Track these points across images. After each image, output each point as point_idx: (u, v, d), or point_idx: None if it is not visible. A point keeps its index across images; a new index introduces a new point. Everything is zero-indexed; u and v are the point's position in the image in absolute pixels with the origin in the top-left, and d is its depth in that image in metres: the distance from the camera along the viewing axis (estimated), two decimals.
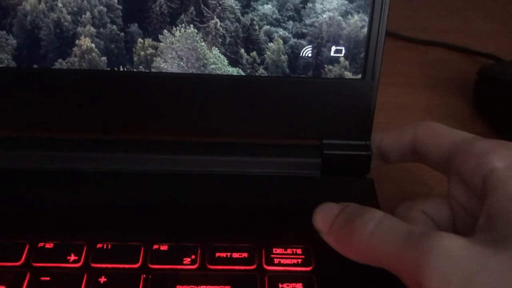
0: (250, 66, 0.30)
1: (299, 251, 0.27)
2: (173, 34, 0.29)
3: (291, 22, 0.29)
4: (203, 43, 0.29)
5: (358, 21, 0.29)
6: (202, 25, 0.29)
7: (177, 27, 0.29)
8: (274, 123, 0.31)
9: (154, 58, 0.29)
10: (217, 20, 0.29)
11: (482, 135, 0.27)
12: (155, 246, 0.26)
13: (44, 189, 0.30)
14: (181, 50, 0.29)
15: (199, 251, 0.26)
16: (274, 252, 0.26)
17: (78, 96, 0.30)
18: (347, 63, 0.30)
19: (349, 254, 0.24)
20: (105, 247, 0.26)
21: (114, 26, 0.28)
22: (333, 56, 0.29)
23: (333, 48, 0.29)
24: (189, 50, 0.29)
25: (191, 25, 0.29)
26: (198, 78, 0.30)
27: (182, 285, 0.25)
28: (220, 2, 0.28)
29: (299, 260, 0.26)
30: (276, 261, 0.26)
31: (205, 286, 0.25)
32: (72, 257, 0.26)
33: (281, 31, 0.29)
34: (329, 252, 0.25)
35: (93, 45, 0.29)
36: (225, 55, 0.29)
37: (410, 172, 0.35)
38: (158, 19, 0.28)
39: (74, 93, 0.30)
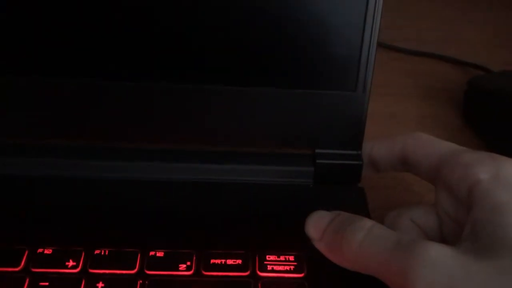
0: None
1: (291, 258, 0.27)
2: None
3: (284, 35, 0.30)
4: None
5: (350, 36, 0.30)
6: None
7: None
8: (269, 133, 0.32)
9: None
10: None
11: (471, 145, 0.28)
12: (152, 253, 0.27)
13: (43, 196, 0.30)
14: None
15: (194, 258, 0.27)
16: (267, 259, 0.27)
17: (78, 105, 0.31)
18: (339, 76, 0.30)
19: (340, 261, 0.25)
20: (102, 253, 0.27)
21: None
22: (325, 69, 0.30)
23: (326, 61, 0.30)
24: None
25: None
26: (196, 89, 0.30)
27: None
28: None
29: (292, 267, 0.27)
30: (269, 267, 0.27)
31: None
32: (71, 263, 0.26)
33: (275, 44, 0.30)
34: (321, 259, 0.26)
35: None
36: None
37: (400, 180, 0.36)
38: None
39: (74, 101, 0.31)
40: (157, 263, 0.27)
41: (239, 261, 0.27)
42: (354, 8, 0.29)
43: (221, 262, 0.27)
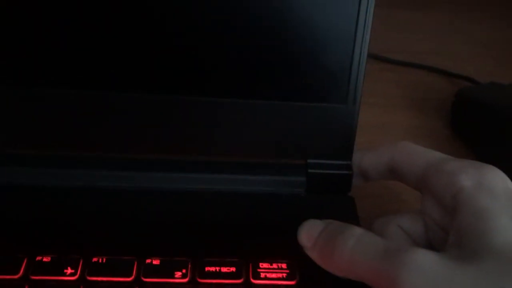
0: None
1: (284, 265, 0.28)
2: None
3: (276, 49, 0.30)
4: None
5: (340, 50, 0.30)
6: None
7: None
8: (262, 144, 0.32)
9: None
10: None
11: (458, 156, 0.29)
12: (148, 261, 0.28)
13: (42, 205, 0.31)
14: None
15: (189, 266, 0.28)
16: (260, 266, 0.28)
17: (73, 116, 0.31)
18: (330, 89, 0.31)
19: (331, 268, 0.26)
20: (100, 261, 0.27)
21: None
22: (317, 82, 0.31)
23: (317, 75, 0.31)
24: None
25: None
26: (188, 101, 0.31)
27: None
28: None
29: (284, 274, 0.28)
30: (262, 275, 0.27)
31: None
32: (69, 270, 0.27)
33: (268, 58, 0.31)
34: (313, 267, 0.26)
35: None
36: None
37: (389, 189, 0.37)
38: None
39: (69, 112, 0.31)
40: (153, 271, 0.27)
41: (233, 269, 0.28)
42: (344, 22, 0.30)
43: (216, 269, 0.27)
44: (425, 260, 0.22)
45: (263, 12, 0.29)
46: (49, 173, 0.32)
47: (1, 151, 0.32)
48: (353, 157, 0.33)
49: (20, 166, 0.32)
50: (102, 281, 0.27)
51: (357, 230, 0.25)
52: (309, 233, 0.27)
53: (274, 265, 0.28)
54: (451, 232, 0.25)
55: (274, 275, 0.27)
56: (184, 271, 0.27)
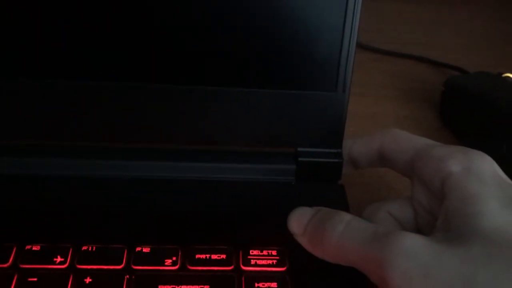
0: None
1: (274, 252, 0.28)
2: None
3: (266, 37, 0.30)
4: None
5: (330, 37, 0.31)
6: None
7: None
8: (253, 132, 0.32)
9: None
10: None
11: (447, 143, 0.29)
12: (138, 248, 0.28)
13: (31, 194, 0.31)
14: None
15: (180, 253, 0.28)
16: (250, 253, 0.28)
17: (68, 106, 0.31)
18: (320, 77, 0.31)
19: (321, 254, 0.26)
20: (90, 249, 0.27)
21: None
22: (306, 70, 0.31)
23: (307, 63, 0.31)
24: None
25: None
26: (178, 90, 0.31)
27: (164, 285, 0.26)
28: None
29: (274, 261, 0.28)
30: (252, 262, 0.28)
31: (185, 286, 0.26)
32: (59, 259, 0.27)
33: (258, 46, 0.31)
34: (302, 253, 0.27)
35: None
36: None
37: (378, 177, 0.37)
38: None
39: (65, 103, 0.31)
40: (143, 259, 0.27)
41: (223, 256, 0.28)
42: (334, 10, 0.30)
43: (206, 257, 0.28)
44: (413, 244, 0.22)
45: (252, 0, 0.29)
46: (39, 163, 0.32)
47: None
48: (343, 145, 0.33)
49: (9, 156, 0.32)
50: (92, 269, 0.27)
51: (346, 216, 0.25)
52: (299, 220, 0.27)
53: (264, 252, 0.28)
54: (439, 217, 0.25)
55: (264, 262, 0.28)
56: (174, 258, 0.27)
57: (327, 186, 0.33)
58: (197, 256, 0.28)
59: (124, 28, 0.29)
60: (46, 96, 0.31)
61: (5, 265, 0.27)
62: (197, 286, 0.26)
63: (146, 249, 0.28)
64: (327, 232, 0.25)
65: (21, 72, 0.30)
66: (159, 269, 0.27)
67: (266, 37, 0.30)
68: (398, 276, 0.22)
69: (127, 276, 0.26)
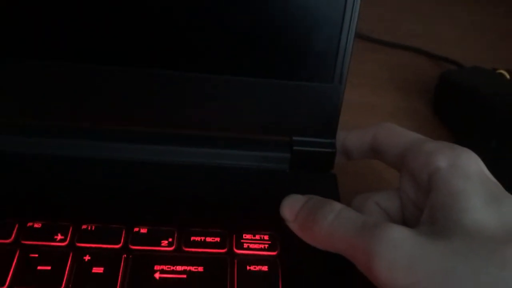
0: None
1: (266, 237, 0.29)
2: None
3: (264, 27, 0.31)
4: None
5: (328, 30, 0.31)
6: None
7: None
8: (249, 120, 0.33)
9: None
10: None
11: (440, 137, 0.30)
12: (136, 229, 0.29)
13: (33, 174, 0.32)
14: None
15: (176, 235, 0.29)
16: (243, 237, 0.29)
17: (64, 87, 0.32)
18: (317, 68, 0.32)
19: (311, 241, 0.27)
20: (89, 228, 0.28)
21: None
22: (304, 62, 0.32)
23: (305, 54, 0.32)
24: None
25: None
26: (177, 76, 0.32)
27: (159, 265, 0.27)
28: None
29: (266, 246, 0.29)
30: (245, 245, 0.29)
31: (180, 266, 0.27)
32: (59, 237, 0.28)
33: (259, 36, 0.31)
34: (293, 239, 0.28)
35: None
36: None
37: (370, 168, 0.38)
38: None
39: (61, 84, 0.32)
40: (141, 239, 0.28)
41: (217, 239, 0.29)
42: (334, 1, 0.30)
43: (201, 239, 0.29)
44: (399, 235, 0.23)
45: None
46: (41, 143, 0.32)
47: None
48: (337, 135, 0.34)
49: (12, 135, 0.32)
50: (91, 248, 0.28)
51: (337, 206, 0.26)
52: (291, 207, 0.28)
53: (257, 237, 0.29)
54: (425, 210, 0.26)
55: (256, 246, 0.29)
56: (170, 239, 0.28)
57: (320, 175, 0.34)
58: (192, 238, 0.29)
59: (119, 14, 0.30)
60: (46, 77, 0.32)
61: (7, 241, 0.28)
62: (191, 267, 0.27)
63: (143, 230, 0.29)
64: (317, 220, 0.26)
65: (23, 53, 0.31)
66: (155, 250, 0.28)
67: (264, 27, 0.31)
68: (383, 266, 0.23)
69: (125, 255, 0.28)
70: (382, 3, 0.62)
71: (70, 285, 0.26)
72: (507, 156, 0.37)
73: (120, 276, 0.27)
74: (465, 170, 0.26)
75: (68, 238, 0.28)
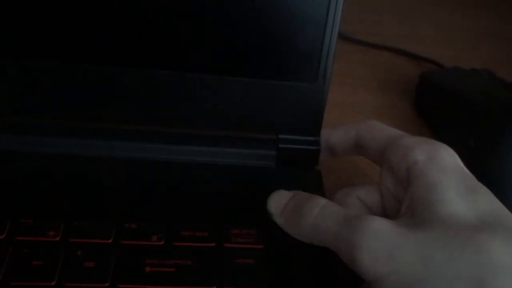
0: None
1: (253, 231, 0.30)
2: None
3: (249, 28, 0.32)
4: None
5: (312, 30, 0.32)
6: None
7: None
8: (236, 119, 0.34)
9: None
10: None
11: (420, 134, 0.31)
12: (127, 225, 0.29)
13: (26, 171, 0.32)
14: None
15: (165, 230, 0.29)
16: (231, 231, 0.30)
17: (56, 85, 0.33)
18: (302, 68, 0.33)
19: (297, 234, 0.28)
20: (81, 224, 0.29)
21: None
22: (289, 62, 0.33)
23: (289, 54, 0.33)
24: None
25: None
26: (163, 74, 0.33)
27: (150, 259, 0.28)
28: None
29: (253, 239, 0.30)
30: (233, 239, 0.30)
31: (170, 260, 0.28)
32: (52, 232, 0.29)
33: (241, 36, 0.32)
34: (279, 233, 0.29)
35: None
36: None
37: (354, 164, 0.40)
38: None
39: (52, 82, 0.33)
40: (131, 234, 0.29)
41: (206, 233, 0.30)
42: (317, 1, 0.31)
43: (190, 234, 0.29)
44: (380, 227, 0.24)
45: None
46: (33, 140, 0.33)
47: None
48: (321, 133, 0.35)
49: (5, 133, 0.33)
50: (83, 243, 0.28)
51: (321, 201, 0.28)
52: (278, 202, 0.29)
53: (244, 231, 0.30)
54: (404, 202, 0.27)
55: (243, 240, 0.30)
56: (160, 234, 0.29)
57: (305, 172, 0.35)
58: (182, 233, 0.29)
59: (108, 13, 0.31)
60: (40, 76, 0.32)
61: (1, 237, 0.28)
62: (181, 260, 0.28)
63: (133, 225, 0.29)
64: (303, 215, 0.27)
65: (19, 52, 0.32)
66: (146, 244, 0.29)
67: (249, 27, 0.32)
68: (365, 256, 0.24)
69: (116, 250, 0.28)
70: (364, 4, 0.64)
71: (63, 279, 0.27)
72: (484, 153, 0.38)
73: (111, 270, 0.28)
74: (442, 163, 0.27)
75: (61, 234, 0.29)
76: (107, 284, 0.27)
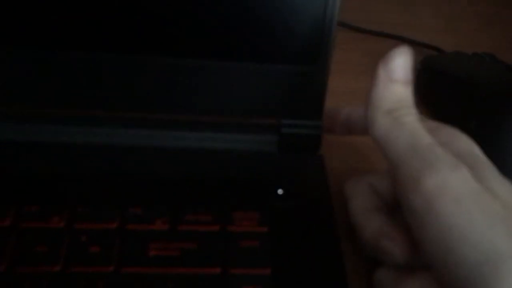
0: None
1: (256, 214, 0.30)
2: None
3: (249, 11, 0.32)
4: None
5: (312, 12, 0.32)
6: None
7: None
8: (238, 103, 0.34)
9: None
10: None
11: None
12: (131, 209, 0.30)
13: (30, 159, 0.32)
14: None
15: (170, 214, 0.30)
16: (235, 215, 0.30)
17: (56, 74, 0.33)
18: (302, 51, 0.33)
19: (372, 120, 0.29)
20: (86, 209, 0.29)
21: None
22: (289, 44, 0.33)
23: (289, 36, 0.32)
24: None
25: None
26: (162, 61, 0.33)
27: (154, 243, 0.28)
28: None
29: (256, 222, 0.30)
30: (237, 222, 0.30)
31: (174, 243, 0.28)
32: (56, 219, 0.29)
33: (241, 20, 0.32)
34: (281, 215, 0.29)
35: None
36: None
37: (356, 150, 0.40)
38: None
39: (51, 71, 0.33)
40: (136, 218, 0.29)
41: (209, 217, 0.30)
42: None
43: (194, 218, 0.30)
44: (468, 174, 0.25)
45: None
46: (36, 129, 0.33)
47: None
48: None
49: (6, 122, 0.33)
50: (87, 229, 0.29)
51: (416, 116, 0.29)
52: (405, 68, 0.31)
53: (248, 214, 0.30)
54: None
55: (247, 223, 0.30)
56: (164, 219, 0.29)
57: (307, 157, 0.35)
58: (186, 217, 0.30)
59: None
60: (40, 65, 0.32)
61: (4, 224, 0.28)
62: (185, 244, 0.28)
63: (138, 210, 0.30)
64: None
65: (18, 42, 0.32)
66: (150, 229, 0.29)
67: (249, 11, 0.32)
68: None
69: (120, 234, 0.28)
70: None
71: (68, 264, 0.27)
72: (485, 137, 0.38)
73: (115, 254, 0.28)
74: (456, 149, 0.27)
75: (65, 219, 0.29)
76: (111, 268, 0.27)
